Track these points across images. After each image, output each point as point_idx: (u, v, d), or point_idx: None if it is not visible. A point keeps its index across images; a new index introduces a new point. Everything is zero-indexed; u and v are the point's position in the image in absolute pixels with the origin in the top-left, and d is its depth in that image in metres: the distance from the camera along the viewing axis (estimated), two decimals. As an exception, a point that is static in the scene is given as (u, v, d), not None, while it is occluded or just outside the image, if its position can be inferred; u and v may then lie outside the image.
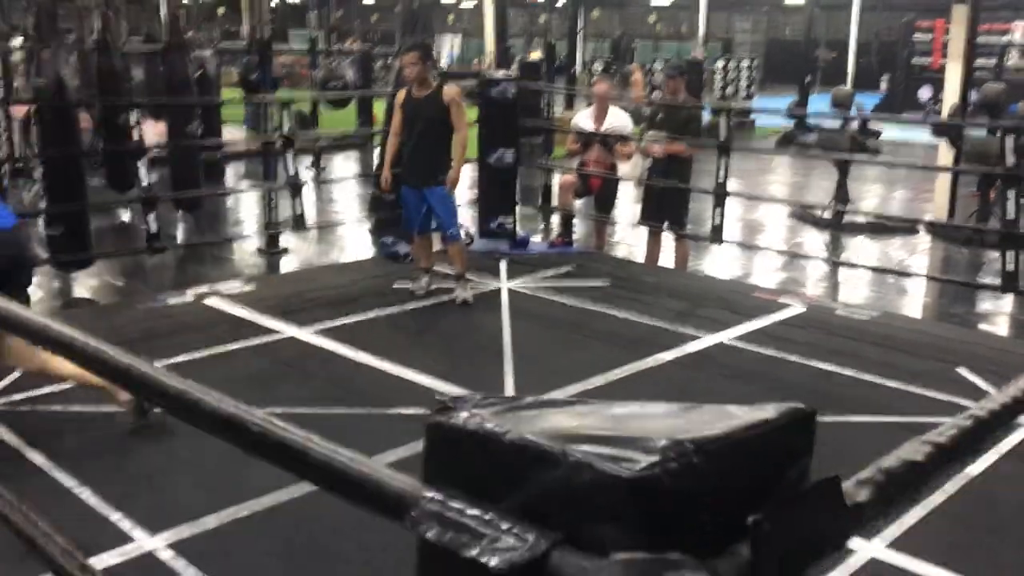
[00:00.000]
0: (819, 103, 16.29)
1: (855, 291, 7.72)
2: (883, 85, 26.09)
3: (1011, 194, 6.08)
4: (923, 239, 9.84)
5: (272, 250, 8.34)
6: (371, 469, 1.00)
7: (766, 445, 0.91)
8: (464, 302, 6.32)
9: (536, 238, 8.75)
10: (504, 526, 0.85)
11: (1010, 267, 6.06)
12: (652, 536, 0.81)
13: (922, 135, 14.56)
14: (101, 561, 3.20)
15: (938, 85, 16.98)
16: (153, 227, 7.01)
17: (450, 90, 6.20)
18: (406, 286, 6.63)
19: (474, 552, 0.84)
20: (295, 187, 7.75)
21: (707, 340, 5.77)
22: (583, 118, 8.06)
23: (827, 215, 10.15)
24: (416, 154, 6.20)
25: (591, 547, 0.82)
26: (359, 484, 0.99)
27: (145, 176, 7.09)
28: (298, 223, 7.89)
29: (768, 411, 0.94)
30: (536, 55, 22.06)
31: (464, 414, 0.97)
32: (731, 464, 0.87)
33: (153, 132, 9.39)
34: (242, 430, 1.13)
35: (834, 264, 8.28)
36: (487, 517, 0.86)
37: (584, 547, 0.82)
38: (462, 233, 6.64)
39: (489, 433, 0.92)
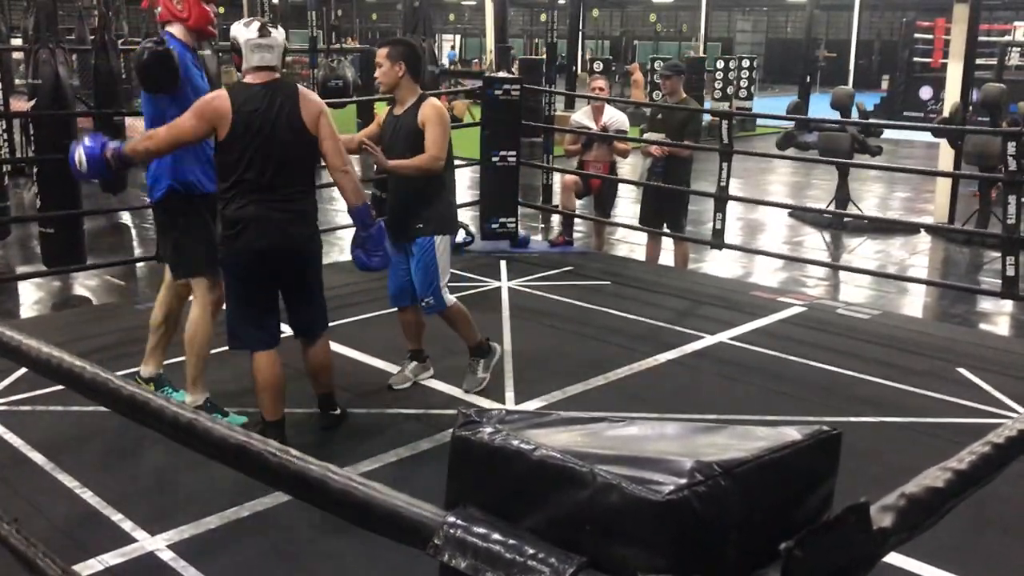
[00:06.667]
0: (819, 103, 16.30)
1: (856, 290, 7.72)
2: (884, 84, 26.10)
3: (1012, 199, 6.08)
4: (924, 239, 9.85)
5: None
6: (390, 497, 0.98)
7: (792, 467, 0.90)
8: (468, 391, 4.82)
9: (536, 238, 8.75)
10: (529, 551, 0.83)
11: (1010, 272, 6.06)
12: (679, 560, 0.80)
13: (923, 133, 14.58)
14: (102, 562, 3.20)
15: (939, 85, 16.99)
16: None
17: (429, 107, 4.51)
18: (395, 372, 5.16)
19: None
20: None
21: (708, 339, 5.76)
22: (582, 116, 8.05)
23: (829, 212, 10.15)
24: (394, 197, 4.70)
25: (616, 570, 0.81)
26: (379, 514, 0.98)
27: None
28: None
29: (792, 433, 0.93)
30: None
31: (489, 429, 0.96)
32: (758, 486, 0.85)
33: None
34: (259, 462, 1.12)
35: (834, 267, 8.27)
36: (511, 542, 0.84)
37: (609, 570, 0.81)
38: (445, 295, 4.79)
39: (515, 450, 0.91)
